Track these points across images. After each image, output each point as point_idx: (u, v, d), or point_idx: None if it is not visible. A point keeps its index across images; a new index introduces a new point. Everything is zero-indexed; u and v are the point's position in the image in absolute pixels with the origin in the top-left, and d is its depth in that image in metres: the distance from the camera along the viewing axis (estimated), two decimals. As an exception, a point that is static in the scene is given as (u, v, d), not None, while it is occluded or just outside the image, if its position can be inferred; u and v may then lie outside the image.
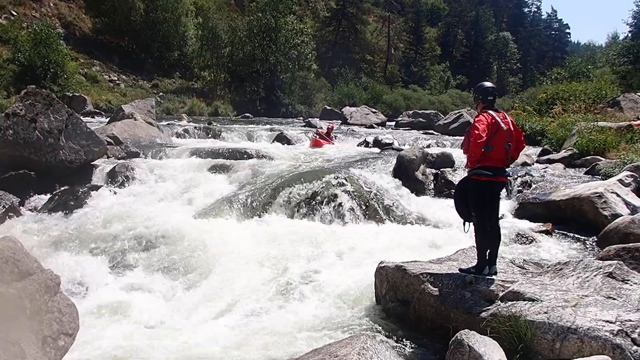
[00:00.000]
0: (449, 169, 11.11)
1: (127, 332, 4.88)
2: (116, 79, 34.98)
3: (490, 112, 4.99)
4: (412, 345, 4.57)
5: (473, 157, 4.85)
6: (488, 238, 5.03)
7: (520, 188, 9.95)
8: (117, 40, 38.22)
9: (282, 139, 17.37)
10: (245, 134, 18.20)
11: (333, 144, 17.38)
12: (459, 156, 11.84)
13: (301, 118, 34.54)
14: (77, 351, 4.15)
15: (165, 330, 4.98)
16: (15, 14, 32.41)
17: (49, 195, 9.51)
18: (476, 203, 5.01)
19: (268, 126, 22.79)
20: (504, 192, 9.47)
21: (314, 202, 8.95)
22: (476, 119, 4.93)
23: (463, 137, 5.29)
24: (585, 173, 11.01)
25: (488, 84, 5.35)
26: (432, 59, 73.08)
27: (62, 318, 3.71)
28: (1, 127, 9.71)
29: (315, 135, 17.66)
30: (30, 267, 3.64)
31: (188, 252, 6.76)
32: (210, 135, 17.74)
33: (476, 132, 4.76)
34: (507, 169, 5.10)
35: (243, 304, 5.60)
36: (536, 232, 8.10)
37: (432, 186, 10.69)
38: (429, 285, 5.01)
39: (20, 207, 8.96)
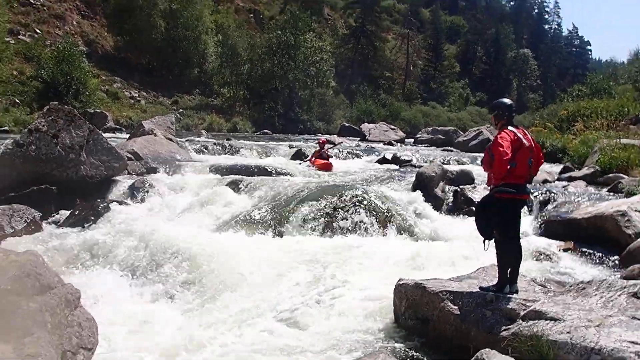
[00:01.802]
0: (469, 186, 11.01)
1: (145, 347, 4.88)
2: (137, 95, 35.56)
3: (511, 128, 4.95)
4: (432, 364, 4.50)
5: (497, 174, 4.81)
6: (509, 256, 4.96)
7: (541, 206, 9.82)
8: (138, 58, 38.96)
9: (300, 155, 17.41)
10: (264, 151, 18.29)
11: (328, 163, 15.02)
12: (479, 173, 11.76)
13: (319, 135, 34.65)
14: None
15: (184, 345, 4.96)
16: (39, 32, 33.23)
17: (69, 210, 9.63)
18: (499, 221, 4.94)
19: (286, 143, 22.88)
20: (525, 210, 9.35)
21: (332, 218, 8.92)
22: (499, 136, 4.89)
23: (483, 154, 5.24)
24: (608, 191, 10.83)
25: (507, 100, 5.32)
26: (451, 76, 73.06)
27: (82, 332, 3.72)
28: (24, 142, 9.89)
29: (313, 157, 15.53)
30: (51, 281, 3.68)
31: (207, 268, 6.76)
32: (228, 152, 17.87)
33: (501, 149, 4.71)
34: (528, 186, 5.05)
35: (260, 319, 5.57)
36: (558, 250, 7.97)
37: (451, 203, 10.60)
38: (449, 303, 4.94)
39: (42, 222, 9.08)
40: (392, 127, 34.43)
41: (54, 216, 9.59)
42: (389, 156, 17.58)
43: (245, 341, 5.09)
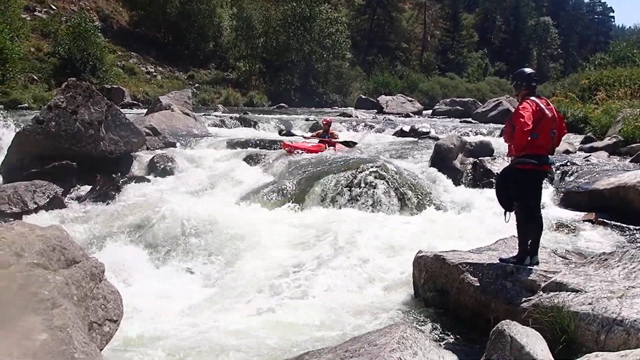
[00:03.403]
0: (488, 157, 10.92)
1: (167, 318, 4.98)
2: (153, 70, 35.57)
3: (533, 98, 4.86)
4: (452, 335, 4.53)
5: (518, 145, 4.74)
6: (530, 227, 4.92)
7: (562, 177, 9.70)
8: (153, 33, 38.86)
9: (317, 128, 17.34)
10: (281, 124, 18.26)
11: (333, 146, 12.47)
12: (498, 144, 11.65)
13: (336, 107, 34.46)
14: (121, 337, 4.25)
15: (204, 317, 5.06)
16: (54, 8, 33.23)
17: (90, 186, 9.75)
18: (519, 192, 4.89)
19: (303, 116, 22.80)
20: (545, 181, 9.25)
21: (350, 191, 8.91)
22: (520, 107, 4.81)
23: (503, 125, 5.17)
24: (631, 161, 10.66)
25: (529, 70, 5.21)
26: (470, 45, 71.73)
27: (107, 305, 3.80)
28: (44, 119, 9.98)
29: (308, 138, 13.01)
30: (76, 254, 3.74)
31: (227, 241, 6.84)
32: (245, 126, 17.88)
33: (522, 119, 4.63)
34: (550, 157, 4.97)
35: (280, 291, 5.63)
36: (579, 221, 7.90)
37: (470, 175, 10.52)
38: (469, 275, 4.94)
39: (64, 197, 9.21)
40: (410, 98, 34.10)
41: (75, 191, 9.73)
42: (406, 128, 17.45)
43: (264, 313, 5.16)
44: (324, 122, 13.41)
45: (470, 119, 23.39)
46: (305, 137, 13.21)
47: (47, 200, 8.71)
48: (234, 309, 5.28)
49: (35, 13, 31.48)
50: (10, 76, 23.25)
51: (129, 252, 6.57)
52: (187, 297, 5.58)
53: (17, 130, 10.98)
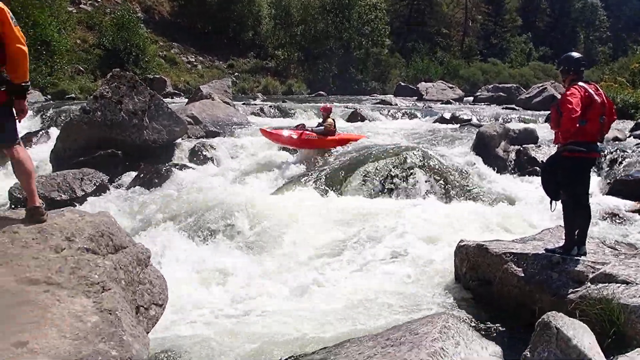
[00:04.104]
0: (532, 145, 10.64)
1: (212, 303, 5.09)
2: (194, 60, 36.05)
3: (581, 84, 4.71)
4: (495, 326, 4.46)
5: (566, 132, 4.60)
6: (578, 217, 4.79)
7: (611, 165, 9.38)
8: (194, 23, 39.29)
9: (356, 116, 17.28)
10: (319, 112, 18.22)
11: (325, 137, 10.99)
12: (543, 131, 11.36)
13: (375, 95, 34.19)
14: (166, 321, 4.36)
15: (246, 301, 5.14)
16: (99, 0, 33.99)
17: (134, 173, 10.01)
18: (567, 180, 4.75)
19: (342, 104, 22.72)
20: (593, 169, 8.98)
21: (390, 180, 8.86)
22: (568, 92, 4.65)
23: (549, 112, 5.02)
24: (684, 148, 10.20)
25: (576, 54, 5.04)
26: (513, 30, 69.78)
27: (153, 289, 3.90)
28: (90, 109, 10.27)
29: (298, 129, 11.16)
30: (123, 240, 3.84)
31: (265, 226, 6.93)
32: (284, 114, 17.94)
33: (570, 106, 4.49)
34: (599, 144, 4.81)
35: (320, 278, 5.66)
36: (629, 211, 7.63)
37: (513, 163, 10.30)
38: (513, 265, 4.85)
39: (110, 185, 9.49)
40: (450, 85, 33.54)
41: (120, 179, 10.00)
42: (447, 115, 17.17)
43: (304, 299, 5.20)
44: (322, 110, 11.88)
45: (513, 106, 22.80)
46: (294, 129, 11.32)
47: (94, 187, 9.00)
48: (275, 294, 5.35)
49: (80, 6, 32.30)
50: (58, 68, 23.99)
51: (173, 237, 6.72)
52: (230, 281, 5.68)
53: (65, 120, 11.34)
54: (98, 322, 3.06)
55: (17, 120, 3.73)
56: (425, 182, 8.79)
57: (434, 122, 16.90)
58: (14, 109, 3.65)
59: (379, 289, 5.35)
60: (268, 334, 4.31)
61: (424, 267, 5.78)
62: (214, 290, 5.49)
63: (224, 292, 5.43)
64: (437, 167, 9.16)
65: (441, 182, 8.86)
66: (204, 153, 11.05)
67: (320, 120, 11.70)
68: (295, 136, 10.84)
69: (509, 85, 31.05)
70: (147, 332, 3.67)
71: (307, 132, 10.93)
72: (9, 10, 3.47)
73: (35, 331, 2.86)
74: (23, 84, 3.60)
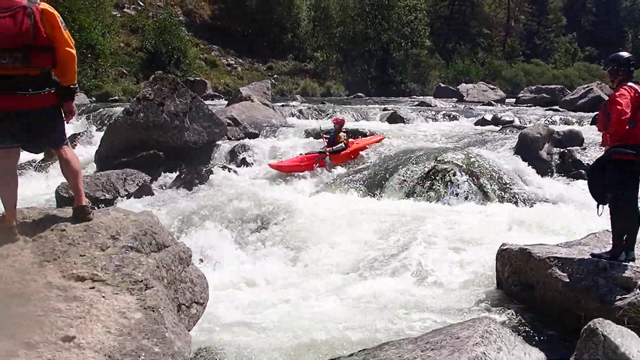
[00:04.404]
0: (577, 147, 10.37)
1: (251, 301, 5.13)
2: (233, 62, 36.50)
3: (631, 84, 4.55)
4: (538, 331, 4.36)
5: (615, 134, 4.45)
6: (626, 221, 4.62)
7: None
8: (234, 26, 39.76)
9: (395, 118, 17.15)
10: (358, 114, 18.19)
11: (338, 154, 10.56)
12: (589, 133, 11.06)
13: (414, 96, 33.89)
14: (207, 319, 4.41)
15: (286, 300, 5.17)
16: (142, 4, 34.81)
17: (175, 174, 10.19)
18: (615, 184, 4.59)
19: (381, 105, 22.60)
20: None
21: (429, 182, 8.77)
22: (617, 93, 4.50)
23: (595, 113, 4.87)
24: None
25: (626, 54, 4.87)
26: (557, 30, 68.07)
27: (194, 288, 3.96)
28: (133, 110, 10.51)
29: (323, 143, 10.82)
30: (166, 239, 3.91)
31: (305, 227, 6.97)
32: (323, 116, 17.96)
33: (619, 107, 4.34)
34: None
35: (359, 279, 5.66)
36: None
37: (557, 166, 10.04)
38: (557, 270, 4.72)
39: (152, 185, 9.68)
40: (492, 86, 32.93)
41: (161, 180, 10.20)
42: (488, 117, 16.86)
43: (344, 300, 5.20)
44: (334, 122, 11.32)
45: (557, 107, 22.21)
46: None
47: (137, 187, 9.19)
48: (315, 293, 5.36)
49: (124, 10, 33.13)
50: (102, 71, 24.68)
51: (213, 237, 6.81)
52: (270, 281, 5.74)
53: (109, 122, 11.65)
54: (141, 319, 3.12)
55: (65, 122, 3.85)
56: (466, 184, 8.66)
57: (475, 123, 16.62)
58: (62, 111, 3.76)
59: (417, 292, 5.30)
60: (305, 336, 4.32)
61: (464, 271, 5.70)
62: (252, 291, 5.54)
63: (261, 293, 5.48)
64: (477, 169, 9.02)
65: (482, 184, 8.71)
66: (243, 154, 11.16)
67: (331, 132, 11.15)
68: (304, 163, 10.27)
69: (552, 86, 30.26)
70: (189, 330, 3.72)
71: (316, 155, 10.41)
72: (59, 15, 3.58)
73: (81, 326, 2.94)
74: (72, 86, 3.70)
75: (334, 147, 10.58)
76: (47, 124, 3.68)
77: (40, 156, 11.20)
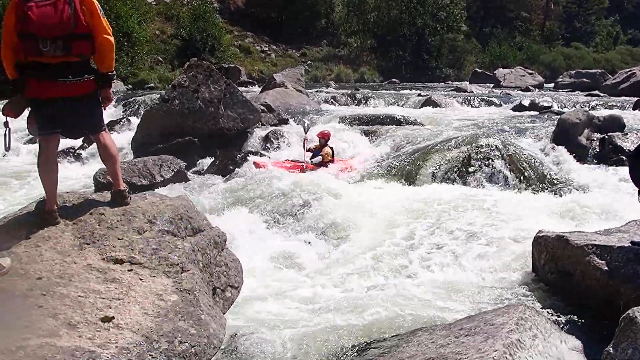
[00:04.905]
0: (618, 133, 10.04)
1: (284, 288, 5.18)
2: (267, 49, 36.59)
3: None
4: (575, 319, 4.29)
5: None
6: (669, 208, 4.49)
7: None
8: (267, 12, 39.79)
9: (430, 104, 16.93)
10: (392, 100, 18.03)
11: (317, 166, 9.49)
12: (631, 119, 10.73)
13: (449, 82, 33.39)
14: (241, 303, 4.48)
15: (319, 288, 5.20)
16: (177, -9, 35.14)
17: (210, 160, 10.32)
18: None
19: (415, 91, 22.34)
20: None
21: (464, 168, 8.66)
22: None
23: (637, 98, 4.71)
24: None
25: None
26: (599, 12, 65.85)
27: (229, 272, 4.02)
28: (169, 97, 10.67)
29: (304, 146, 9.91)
30: (201, 224, 3.98)
31: (339, 214, 6.96)
32: (357, 102, 17.87)
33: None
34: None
35: (393, 266, 5.64)
36: None
37: (597, 152, 9.77)
38: (595, 258, 4.61)
39: (187, 171, 9.83)
40: (530, 71, 32.17)
41: (196, 166, 10.36)
42: (526, 102, 16.48)
43: (377, 287, 5.20)
44: (319, 136, 10.08)
45: (597, 92, 21.56)
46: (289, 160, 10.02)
47: (172, 173, 9.34)
48: (348, 281, 5.38)
49: (159, -2, 33.53)
50: (138, 58, 25.10)
51: (248, 223, 6.88)
52: (303, 268, 5.78)
53: (145, 109, 11.85)
54: (178, 301, 3.19)
55: (103, 108, 3.93)
56: (502, 170, 8.52)
57: (512, 109, 16.30)
58: (100, 97, 3.85)
59: (451, 279, 5.27)
60: (337, 320, 4.34)
61: (499, 258, 5.63)
62: (286, 276, 5.59)
63: (296, 278, 5.52)
64: (514, 155, 8.86)
65: (518, 170, 8.56)
66: (277, 140, 11.22)
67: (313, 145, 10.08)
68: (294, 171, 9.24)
69: (593, 70, 29.38)
70: (223, 313, 3.79)
71: (302, 164, 9.42)
72: (97, 3, 3.65)
73: (120, 307, 3.03)
74: (109, 73, 3.78)
75: (313, 160, 9.61)
76: (86, 110, 3.77)
77: (79, 143, 11.53)
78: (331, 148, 10.01)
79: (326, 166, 9.58)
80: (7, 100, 3.64)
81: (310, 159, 9.65)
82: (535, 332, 3.29)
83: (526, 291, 4.89)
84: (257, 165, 9.38)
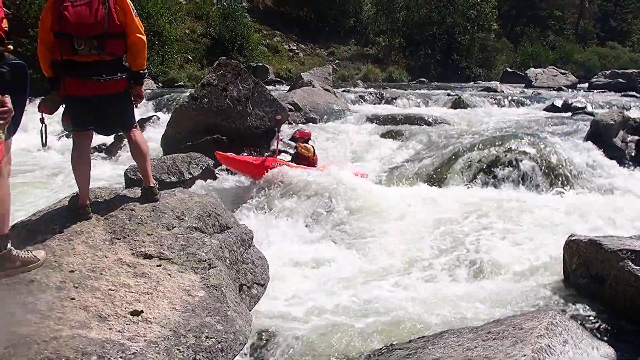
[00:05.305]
0: (655, 135, 9.78)
1: (311, 287, 5.18)
2: (295, 48, 36.66)
3: None
4: (607, 326, 4.16)
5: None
6: None
7: None
8: (296, 11, 39.92)
9: (459, 104, 16.73)
10: (421, 100, 17.87)
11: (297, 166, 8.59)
12: (668, 120, 10.40)
13: (479, 82, 32.96)
14: (267, 300, 4.50)
15: (347, 288, 5.19)
16: (206, -9, 35.47)
17: (238, 158, 10.36)
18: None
19: (444, 91, 22.11)
20: None
21: (494, 169, 8.53)
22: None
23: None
24: None
25: None
26: (636, 10, 64.13)
27: (255, 269, 4.04)
28: (198, 96, 10.77)
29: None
30: (228, 221, 4.01)
31: (366, 215, 6.94)
32: (385, 101, 17.77)
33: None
34: None
35: (422, 268, 5.60)
36: None
37: (633, 155, 9.52)
38: (630, 263, 4.49)
39: (215, 169, 9.91)
40: (563, 71, 31.52)
41: (225, 164, 10.41)
42: (558, 103, 16.16)
43: (406, 288, 5.16)
44: (297, 136, 9.42)
45: (634, 93, 21.02)
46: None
47: (201, 171, 9.43)
48: (376, 282, 5.35)
49: (189, -3, 33.88)
50: (168, 57, 25.39)
51: (276, 221, 6.92)
52: (331, 268, 5.76)
53: (175, 107, 11.99)
54: (205, 297, 3.22)
55: (134, 106, 3.99)
56: (532, 172, 8.38)
57: (544, 109, 16.01)
58: (132, 95, 3.91)
59: (479, 282, 5.21)
60: (363, 322, 4.33)
61: (529, 261, 5.53)
62: (311, 276, 5.58)
63: (320, 279, 5.50)
64: (546, 156, 8.69)
65: (550, 172, 8.40)
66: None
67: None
68: (255, 163, 8.62)
69: (629, 70, 28.65)
70: (249, 310, 3.81)
71: (273, 159, 8.76)
72: (130, 2, 3.70)
73: (149, 302, 3.07)
74: (141, 72, 3.84)
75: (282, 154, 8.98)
76: (118, 108, 3.84)
77: (111, 140, 11.74)
78: (312, 146, 9.29)
79: (313, 165, 8.90)
80: (43, 97, 3.72)
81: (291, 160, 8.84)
82: (566, 337, 3.23)
83: (556, 296, 4.78)
84: (219, 157, 8.69)
